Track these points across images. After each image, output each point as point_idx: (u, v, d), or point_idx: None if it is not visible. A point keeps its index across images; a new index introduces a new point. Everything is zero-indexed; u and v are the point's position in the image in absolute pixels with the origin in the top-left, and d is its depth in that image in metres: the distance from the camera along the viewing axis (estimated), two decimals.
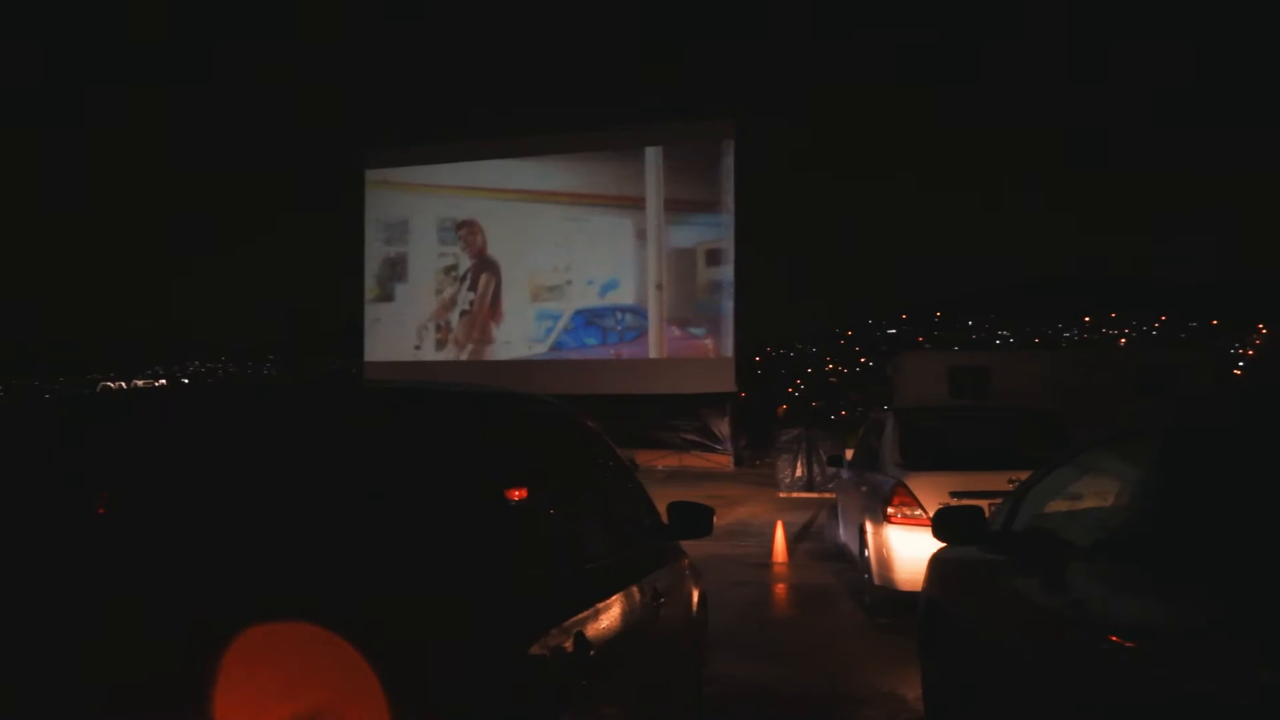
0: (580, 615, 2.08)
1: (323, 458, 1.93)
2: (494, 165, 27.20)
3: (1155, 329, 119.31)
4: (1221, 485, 2.38)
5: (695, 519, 3.41)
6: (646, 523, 3.37)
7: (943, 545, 4.20)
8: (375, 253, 28.37)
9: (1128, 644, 2.30)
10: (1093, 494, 3.38)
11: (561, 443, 2.75)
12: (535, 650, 1.85)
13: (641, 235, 25.73)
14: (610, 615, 2.31)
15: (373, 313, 28.52)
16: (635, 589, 2.67)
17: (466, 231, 27.68)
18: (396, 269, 28.17)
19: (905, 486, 6.22)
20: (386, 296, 28.36)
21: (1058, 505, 3.52)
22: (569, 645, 1.97)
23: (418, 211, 27.94)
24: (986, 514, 3.72)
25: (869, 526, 6.71)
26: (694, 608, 3.80)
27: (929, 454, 6.69)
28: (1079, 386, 21.21)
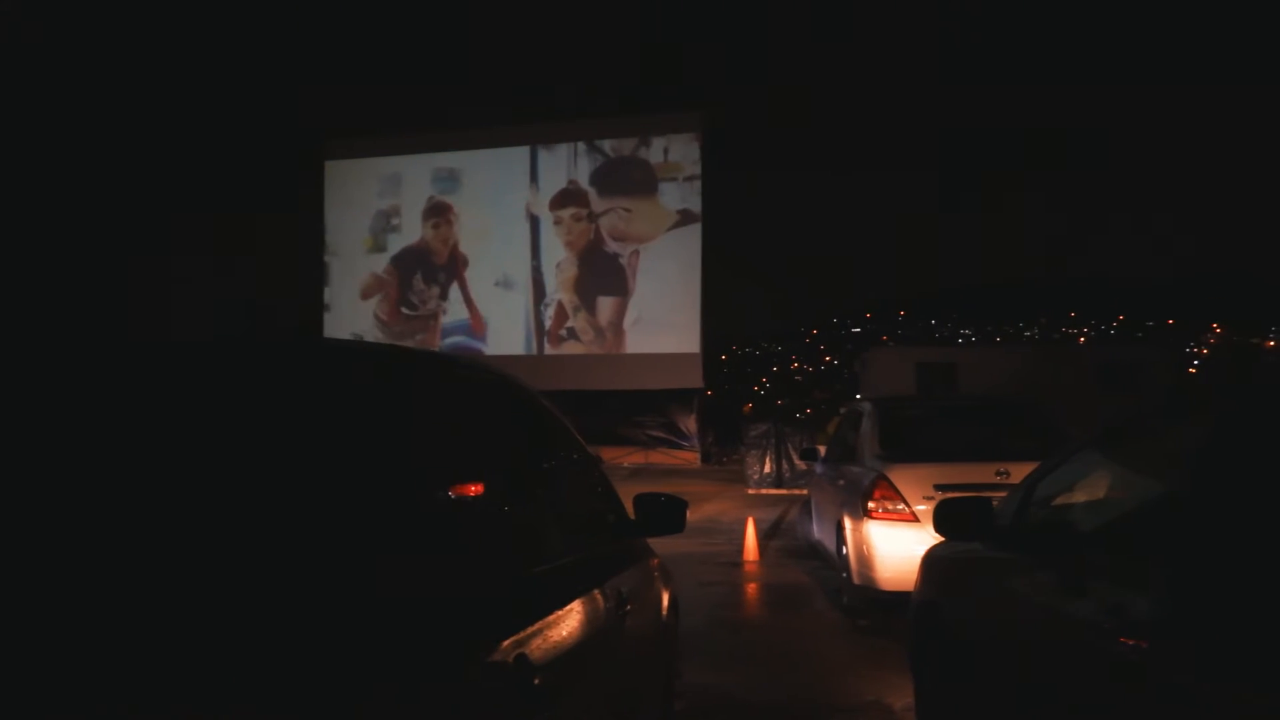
0: (527, 631, 1.65)
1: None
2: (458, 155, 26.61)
3: (1113, 328, 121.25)
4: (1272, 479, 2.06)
5: (666, 513, 3.00)
6: (611, 518, 2.94)
7: (937, 542, 3.85)
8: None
9: (1145, 645, 2.01)
10: (1112, 487, 3.04)
11: (511, 423, 2.32)
12: (473, 677, 1.43)
13: (599, 229, 25.29)
14: (566, 628, 1.89)
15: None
16: (597, 594, 2.25)
17: (440, 223, 26.94)
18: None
19: (887, 479, 5.85)
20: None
21: (1073, 498, 3.16)
22: (514, 666, 1.54)
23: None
24: None
25: (848, 522, 6.33)
26: (664, 613, 3.39)
27: (911, 445, 6.33)
28: (1044, 382, 21.22)
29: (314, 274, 28.11)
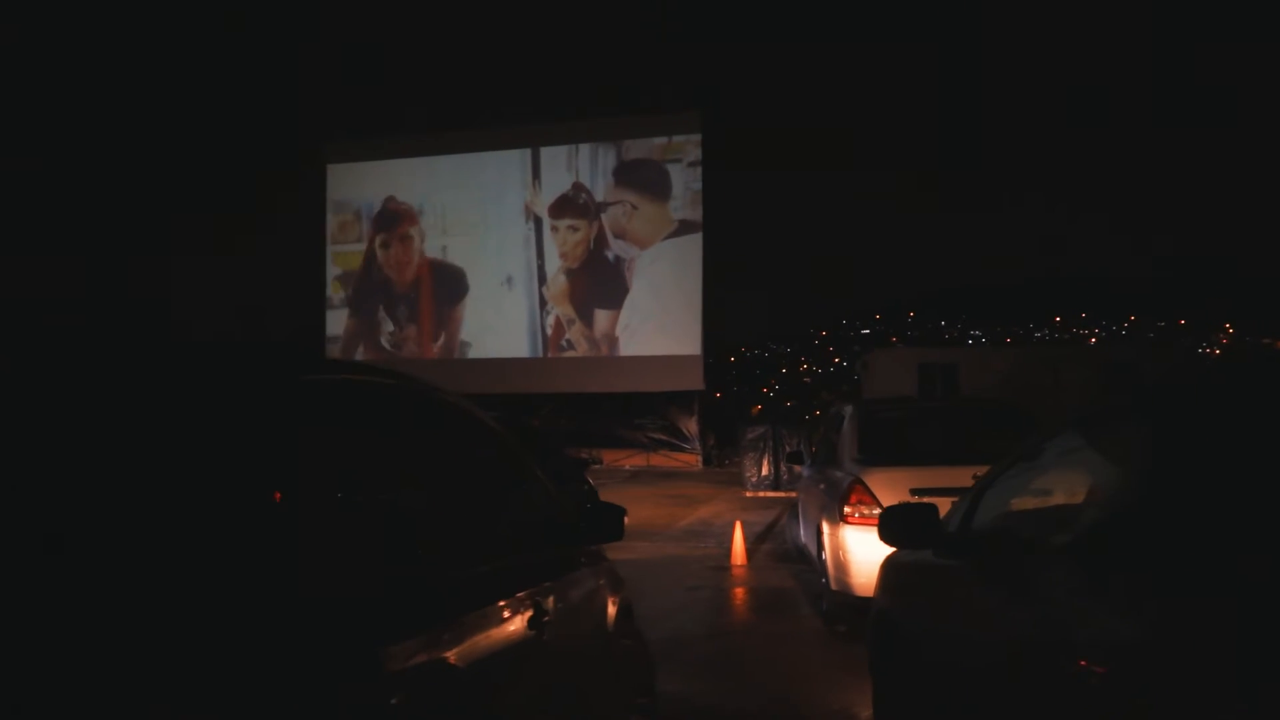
0: (390, 647, 1.58)
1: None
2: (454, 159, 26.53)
3: (1124, 328, 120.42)
4: (1227, 475, 1.96)
5: (604, 521, 2.94)
6: (547, 526, 2.86)
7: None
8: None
9: (1099, 669, 1.87)
10: (1063, 488, 2.94)
11: (416, 429, 2.24)
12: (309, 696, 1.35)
13: (601, 230, 25.19)
14: (448, 641, 1.81)
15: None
16: (501, 606, 2.17)
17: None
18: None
19: (863, 483, 5.76)
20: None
21: (1023, 502, 3.06)
22: (366, 686, 1.47)
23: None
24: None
25: (825, 527, 6.25)
26: (609, 622, 3.30)
27: (889, 448, 6.24)
28: (1047, 383, 21.07)
29: (317, 278, 28.13)
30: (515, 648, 2.19)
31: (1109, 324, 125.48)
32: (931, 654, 3.09)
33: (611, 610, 3.38)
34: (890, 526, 3.02)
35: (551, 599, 2.56)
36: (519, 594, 2.30)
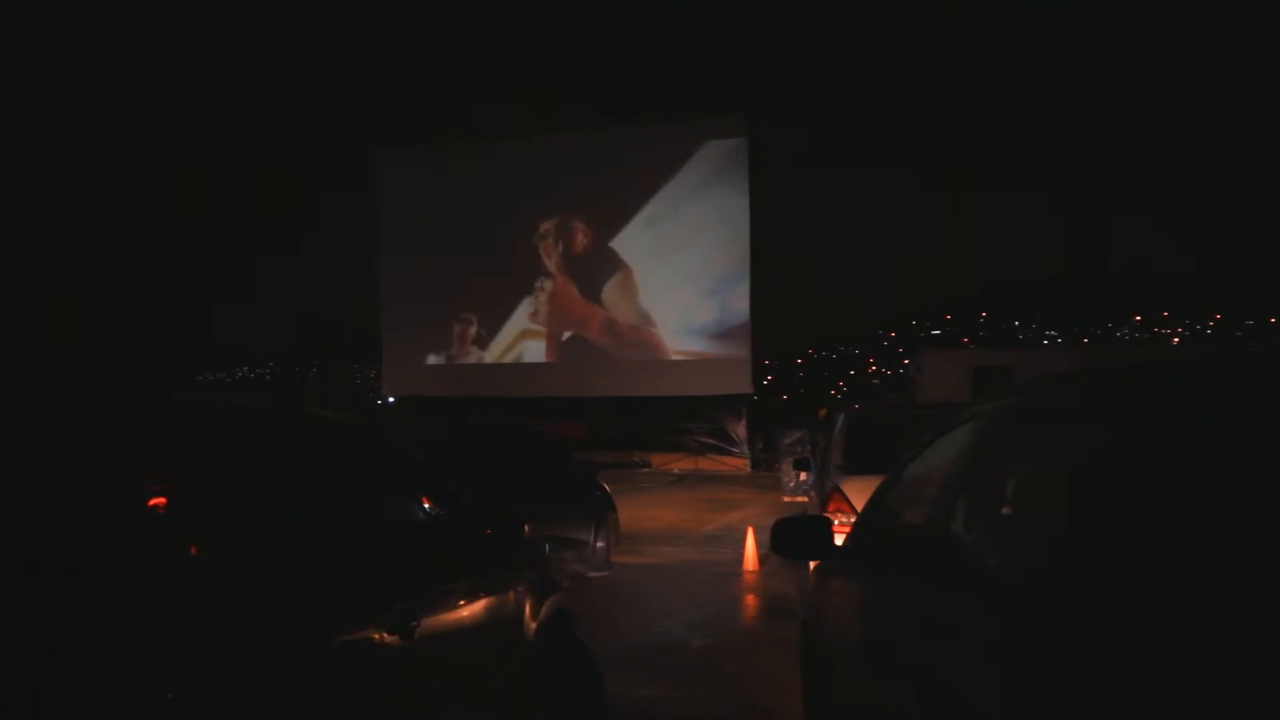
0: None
1: None
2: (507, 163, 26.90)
3: (1209, 328, 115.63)
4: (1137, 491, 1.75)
5: (498, 531, 3.07)
6: (430, 534, 2.98)
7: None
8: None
9: None
10: (946, 496, 2.89)
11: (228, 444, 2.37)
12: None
13: (649, 231, 25.30)
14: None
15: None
16: (363, 613, 2.29)
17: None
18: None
19: (840, 490, 5.77)
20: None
21: (918, 510, 3.04)
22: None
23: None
24: None
25: None
26: (526, 631, 3.40)
27: (873, 455, 6.20)
28: None
29: (372, 286, 28.90)
30: (376, 657, 2.29)
31: (1193, 323, 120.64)
32: (837, 668, 3.09)
33: (530, 619, 3.47)
34: (779, 537, 3.06)
35: (435, 607, 2.67)
36: (387, 600, 2.42)
